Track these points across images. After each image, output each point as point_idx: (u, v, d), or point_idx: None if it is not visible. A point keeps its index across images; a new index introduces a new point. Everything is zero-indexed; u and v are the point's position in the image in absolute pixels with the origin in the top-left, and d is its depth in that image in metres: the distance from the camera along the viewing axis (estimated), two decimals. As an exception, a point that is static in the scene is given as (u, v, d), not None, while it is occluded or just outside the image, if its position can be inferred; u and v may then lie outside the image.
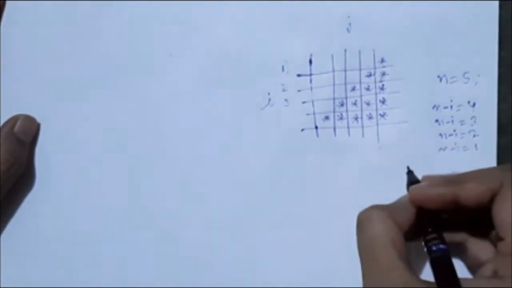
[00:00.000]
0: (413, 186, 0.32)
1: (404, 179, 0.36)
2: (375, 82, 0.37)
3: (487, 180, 0.30)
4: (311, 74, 0.38)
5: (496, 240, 0.30)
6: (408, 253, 0.30)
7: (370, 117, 0.37)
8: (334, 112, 0.37)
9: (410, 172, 0.34)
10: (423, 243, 0.31)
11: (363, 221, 0.31)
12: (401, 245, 0.30)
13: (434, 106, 0.36)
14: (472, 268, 0.33)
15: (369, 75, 0.37)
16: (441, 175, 0.33)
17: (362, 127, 0.37)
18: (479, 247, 0.32)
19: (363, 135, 0.37)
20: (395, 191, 0.36)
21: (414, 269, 0.29)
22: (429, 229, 0.31)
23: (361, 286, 0.35)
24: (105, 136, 0.39)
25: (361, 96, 0.37)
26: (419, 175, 0.36)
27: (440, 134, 0.36)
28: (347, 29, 0.38)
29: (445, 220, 0.31)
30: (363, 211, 0.32)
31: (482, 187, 0.30)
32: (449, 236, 0.31)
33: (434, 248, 0.30)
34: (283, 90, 0.38)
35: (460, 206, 0.30)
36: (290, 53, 0.38)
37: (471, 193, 0.30)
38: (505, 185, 0.30)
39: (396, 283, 0.28)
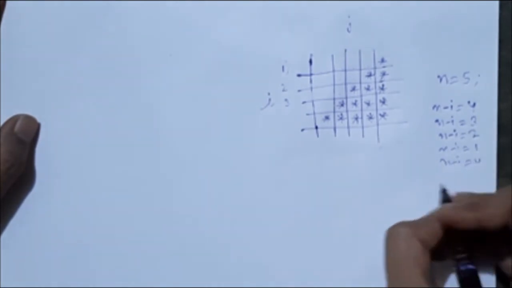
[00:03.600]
0: (441, 207, 0.33)
1: (404, 179, 0.36)
2: (375, 82, 0.37)
3: (507, 202, 0.31)
4: (311, 74, 0.38)
5: None
6: (433, 266, 0.31)
7: (370, 117, 0.37)
8: (334, 112, 0.37)
9: (443, 191, 0.35)
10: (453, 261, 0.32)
11: (389, 238, 0.32)
12: (426, 263, 0.30)
13: (434, 106, 0.36)
14: (502, 284, 0.33)
15: (369, 75, 0.37)
16: (469, 194, 0.33)
17: (362, 127, 0.37)
18: (509, 263, 0.32)
19: (363, 135, 0.37)
20: (395, 191, 0.36)
21: (438, 283, 0.30)
22: (458, 248, 0.31)
23: (361, 285, 0.35)
24: (104, 136, 0.39)
25: (361, 96, 0.37)
26: (418, 175, 0.36)
27: (440, 134, 0.36)
28: (347, 29, 0.38)
29: (474, 238, 0.32)
30: (390, 227, 0.32)
31: (503, 210, 0.30)
32: (479, 253, 0.32)
33: (462, 268, 0.31)
34: (283, 90, 0.38)
35: (485, 228, 0.31)
36: (290, 53, 0.38)
37: (493, 218, 0.30)
38: None
39: None
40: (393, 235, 0.31)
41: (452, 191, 0.34)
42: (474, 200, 0.32)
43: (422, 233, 0.31)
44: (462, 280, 0.30)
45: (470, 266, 0.31)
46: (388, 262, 0.31)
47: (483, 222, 0.30)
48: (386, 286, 0.31)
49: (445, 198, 0.34)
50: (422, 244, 0.30)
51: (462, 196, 0.34)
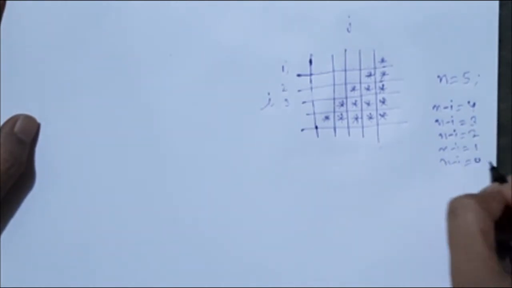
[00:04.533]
0: (503, 186, 0.32)
1: (404, 179, 0.36)
2: (375, 82, 0.37)
3: None
4: (311, 74, 0.38)
5: None
6: None
7: (370, 117, 0.37)
8: (334, 112, 0.37)
9: (494, 168, 0.34)
10: None
11: (456, 208, 0.31)
12: (491, 235, 0.30)
13: (434, 106, 0.36)
14: None
15: (369, 75, 0.37)
16: None
17: (362, 127, 0.37)
18: None
19: (363, 135, 0.37)
20: (395, 191, 0.36)
21: None
22: None
23: (361, 285, 0.35)
24: (104, 136, 0.39)
25: (361, 96, 0.37)
26: (418, 175, 0.36)
27: (440, 134, 0.36)
28: (347, 29, 0.38)
29: None
30: (456, 198, 0.31)
31: None
32: None
33: None
34: (283, 90, 0.38)
35: None
36: (290, 53, 0.38)
37: None
38: None
39: (483, 273, 0.29)
40: (461, 205, 0.31)
41: (451, 192, 0.34)
42: None
43: (489, 207, 0.30)
44: None
45: None
46: (453, 232, 0.31)
47: None
48: (451, 258, 0.30)
49: (497, 176, 0.34)
50: (489, 217, 0.30)
51: None
